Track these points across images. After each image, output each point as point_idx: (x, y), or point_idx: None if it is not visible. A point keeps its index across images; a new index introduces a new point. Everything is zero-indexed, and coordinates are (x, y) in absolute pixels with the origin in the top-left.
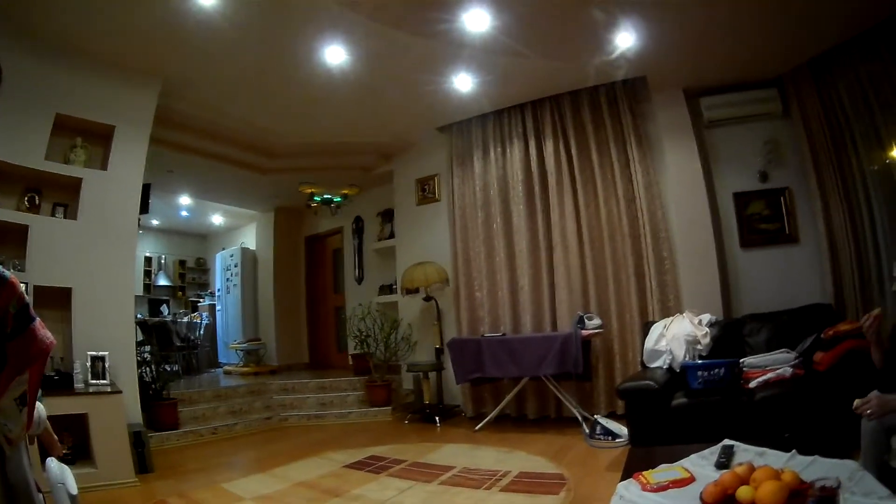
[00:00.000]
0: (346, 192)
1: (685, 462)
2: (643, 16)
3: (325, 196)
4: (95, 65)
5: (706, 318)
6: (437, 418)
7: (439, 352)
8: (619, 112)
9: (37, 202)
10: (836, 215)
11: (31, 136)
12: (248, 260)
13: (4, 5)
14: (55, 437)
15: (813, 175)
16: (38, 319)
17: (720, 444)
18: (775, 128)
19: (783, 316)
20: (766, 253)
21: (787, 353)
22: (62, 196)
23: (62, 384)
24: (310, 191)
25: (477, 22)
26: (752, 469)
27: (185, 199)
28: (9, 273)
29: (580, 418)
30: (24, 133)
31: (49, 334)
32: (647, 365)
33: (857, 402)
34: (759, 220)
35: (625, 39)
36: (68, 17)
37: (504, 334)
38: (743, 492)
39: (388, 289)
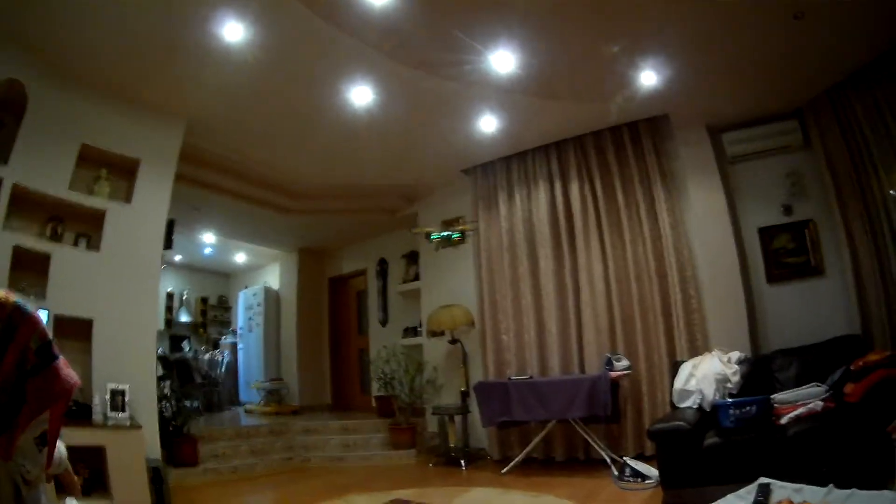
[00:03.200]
0: (463, 228)
1: (722, 503)
2: (664, 54)
3: (444, 233)
4: (122, 99)
5: (735, 355)
6: (462, 462)
7: (465, 395)
8: (643, 151)
9: (59, 232)
10: (860, 245)
11: (56, 164)
12: (272, 299)
13: (36, 38)
14: (75, 477)
15: (836, 205)
16: (61, 358)
17: (756, 483)
18: (797, 160)
19: (812, 350)
20: (793, 287)
21: (818, 386)
22: (85, 227)
23: (80, 415)
24: (425, 231)
25: (502, 63)
26: None
27: (208, 237)
28: (31, 308)
29: (609, 460)
30: (48, 161)
31: (73, 374)
32: (677, 405)
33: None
34: (785, 254)
35: (647, 78)
36: (97, 53)
37: (531, 377)
38: None
39: (412, 331)
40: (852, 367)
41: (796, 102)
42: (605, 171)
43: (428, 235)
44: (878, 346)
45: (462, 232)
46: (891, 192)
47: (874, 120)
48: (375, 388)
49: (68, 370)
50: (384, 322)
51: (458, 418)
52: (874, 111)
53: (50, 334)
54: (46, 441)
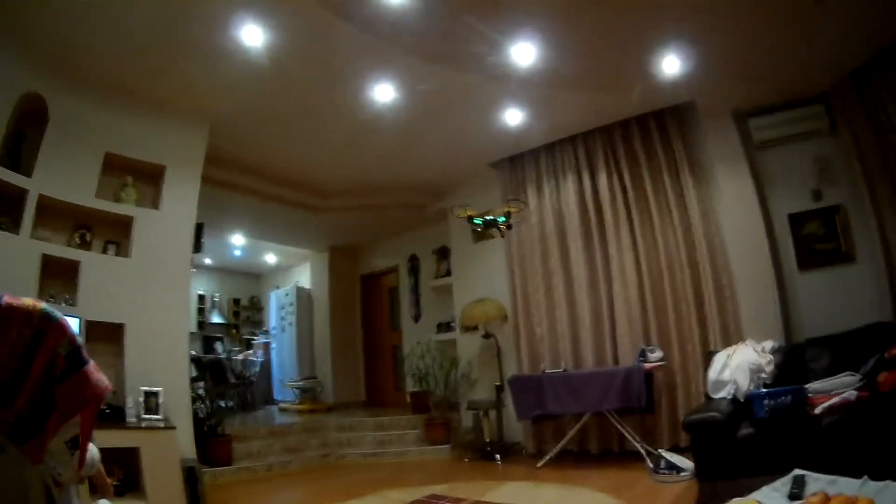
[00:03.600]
0: (509, 209)
1: (757, 495)
2: (687, 40)
3: (487, 217)
4: (144, 105)
5: (769, 344)
6: (497, 456)
7: (499, 389)
8: (669, 139)
9: (88, 239)
10: (891, 230)
11: (81, 174)
12: (304, 299)
13: (56, 48)
14: (107, 479)
15: (866, 190)
16: (92, 363)
17: (791, 475)
18: (824, 144)
19: (844, 338)
20: (824, 274)
21: (852, 375)
22: (113, 234)
23: (113, 417)
24: (467, 214)
25: (523, 56)
26: (826, 499)
27: (238, 239)
28: (58, 314)
29: (643, 453)
30: (74, 171)
31: (104, 378)
32: (711, 396)
33: None
34: (815, 241)
35: (671, 64)
36: (117, 60)
37: (565, 370)
38: None
39: (445, 326)
40: (886, 356)
41: (820, 86)
42: (633, 161)
43: (471, 219)
44: None
45: (507, 214)
46: None
47: None
48: (410, 384)
49: (99, 375)
50: (417, 318)
51: (492, 413)
52: None
53: (80, 340)
54: (78, 444)
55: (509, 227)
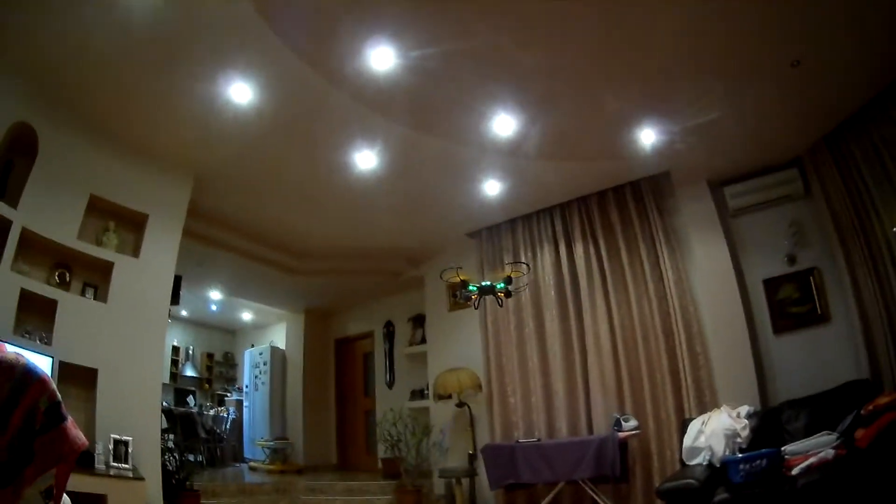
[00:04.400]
0: (510, 274)
1: None
2: (663, 112)
3: (484, 283)
4: (132, 152)
5: (745, 409)
6: None
7: (472, 457)
8: (645, 209)
9: (67, 279)
10: (865, 288)
11: (65, 212)
12: (278, 359)
13: (51, 86)
14: None
15: (840, 251)
16: (70, 419)
17: None
18: (798, 208)
19: (821, 398)
20: (799, 336)
21: (829, 434)
22: (92, 277)
23: (83, 462)
24: (461, 279)
25: (503, 127)
26: None
27: (215, 294)
28: (40, 370)
29: None
30: (58, 208)
31: (81, 435)
32: (687, 462)
33: None
34: (791, 304)
35: (647, 136)
36: (109, 104)
37: (539, 439)
38: None
39: (419, 394)
40: (862, 412)
41: (795, 150)
42: (609, 230)
43: (465, 284)
44: (887, 388)
45: (507, 280)
46: (895, 229)
47: (872, 162)
48: (382, 450)
49: (76, 431)
50: (391, 384)
51: (465, 481)
52: (872, 153)
53: (59, 396)
54: (52, 495)
55: (509, 294)
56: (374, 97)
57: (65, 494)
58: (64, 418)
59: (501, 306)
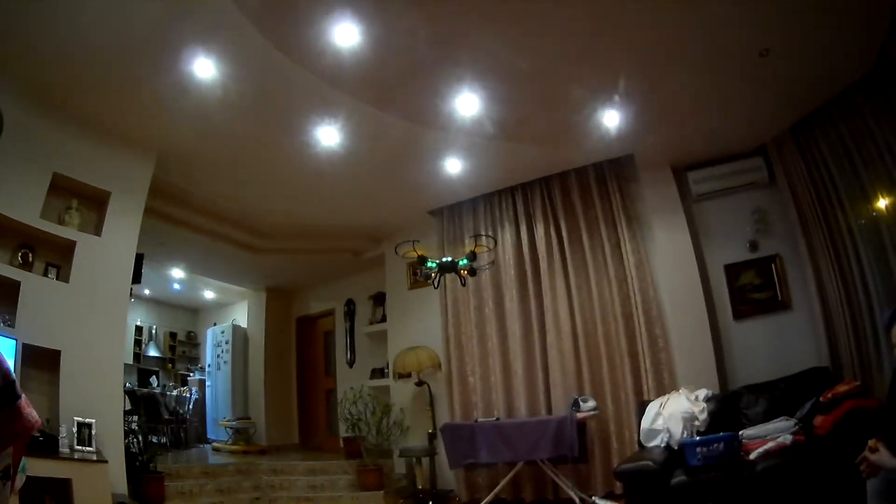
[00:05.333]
0: (473, 249)
1: None
2: (628, 94)
3: (445, 259)
4: (95, 130)
5: (703, 393)
6: (430, 503)
7: (432, 436)
8: (608, 191)
9: (30, 259)
10: (827, 277)
11: (28, 191)
12: (240, 337)
13: (10, 60)
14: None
15: (802, 239)
16: (24, 397)
17: None
18: (762, 196)
19: (780, 384)
20: (760, 322)
21: (787, 420)
22: (55, 256)
23: (46, 446)
24: (418, 254)
25: (467, 106)
26: None
27: (177, 273)
28: None
29: (577, 500)
30: (21, 187)
31: (34, 413)
32: (645, 444)
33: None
34: (751, 290)
35: (611, 119)
36: (71, 81)
37: (498, 419)
38: None
39: (379, 372)
40: (822, 400)
41: (761, 139)
42: (571, 212)
43: (423, 261)
44: (846, 376)
45: (472, 255)
46: (861, 222)
47: (839, 154)
48: (343, 430)
49: (30, 409)
50: (351, 363)
51: (425, 460)
52: (839, 145)
53: (13, 375)
54: (9, 475)
55: (473, 272)
56: (337, 74)
57: (20, 473)
58: (18, 396)
59: (464, 285)
